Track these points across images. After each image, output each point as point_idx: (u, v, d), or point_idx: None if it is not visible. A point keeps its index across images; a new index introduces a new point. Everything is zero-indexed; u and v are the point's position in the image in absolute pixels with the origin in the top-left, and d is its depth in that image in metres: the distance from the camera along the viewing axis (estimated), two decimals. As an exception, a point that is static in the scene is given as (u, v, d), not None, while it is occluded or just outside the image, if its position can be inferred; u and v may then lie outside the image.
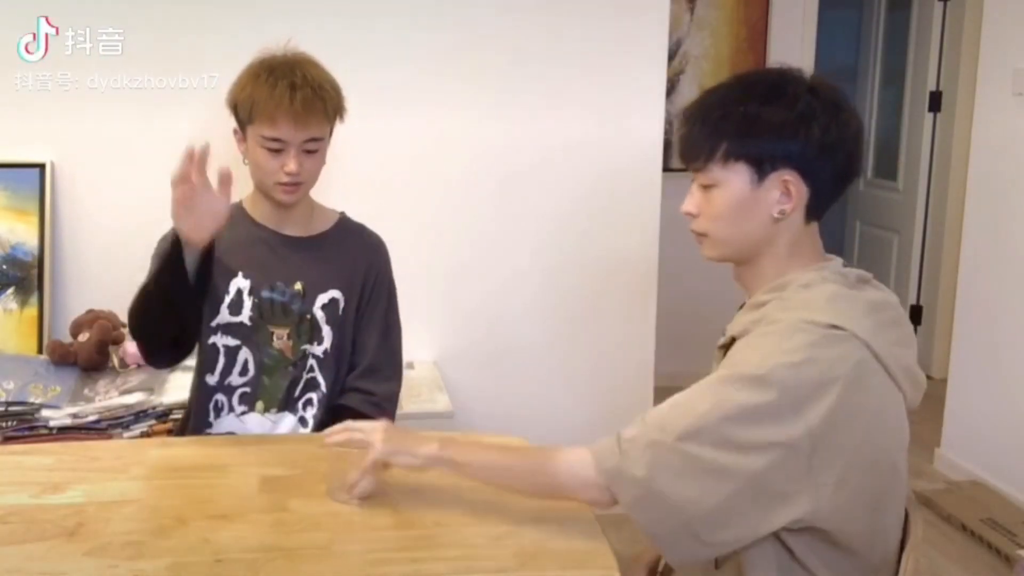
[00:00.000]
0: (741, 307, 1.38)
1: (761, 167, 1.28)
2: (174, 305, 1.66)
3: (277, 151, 1.72)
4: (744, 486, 1.17)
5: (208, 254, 1.64)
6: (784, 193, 1.29)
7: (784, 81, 1.30)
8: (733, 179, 1.30)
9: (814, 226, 1.34)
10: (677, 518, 1.20)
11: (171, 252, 1.61)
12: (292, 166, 1.72)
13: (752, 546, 1.23)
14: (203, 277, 1.66)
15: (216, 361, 1.81)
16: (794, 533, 1.21)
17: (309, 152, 1.75)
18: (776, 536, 1.22)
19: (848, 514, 1.21)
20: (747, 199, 1.30)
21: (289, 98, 1.69)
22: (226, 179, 1.59)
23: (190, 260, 1.62)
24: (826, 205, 1.33)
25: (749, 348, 1.25)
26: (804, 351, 1.19)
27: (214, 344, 1.80)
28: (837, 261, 1.35)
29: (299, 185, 1.77)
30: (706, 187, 1.33)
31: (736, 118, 1.29)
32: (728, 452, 1.18)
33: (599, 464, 1.26)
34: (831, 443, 1.17)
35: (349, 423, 1.46)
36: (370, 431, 1.40)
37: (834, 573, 1.24)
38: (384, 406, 1.87)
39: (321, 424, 1.82)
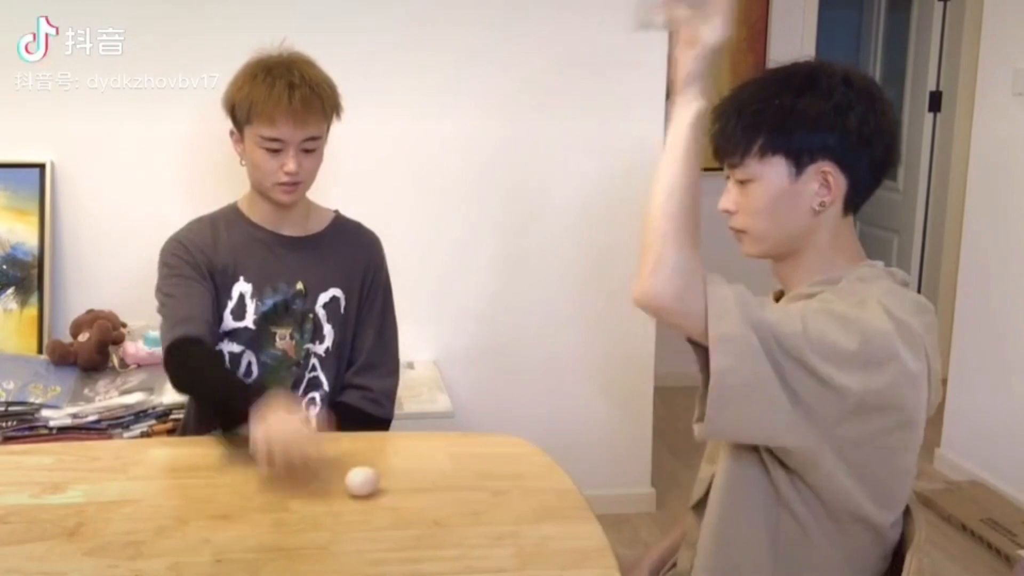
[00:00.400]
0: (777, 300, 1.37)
1: (799, 160, 1.27)
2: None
3: (276, 151, 1.72)
4: (784, 392, 1.16)
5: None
6: (823, 185, 1.27)
7: (818, 73, 1.29)
8: (771, 173, 1.29)
9: (851, 220, 1.33)
10: (745, 382, 1.16)
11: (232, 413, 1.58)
12: (291, 166, 1.72)
13: (745, 476, 1.25)
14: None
15: None
16: (792, 472, 1.22)
17: (307, 151, 1.75)
18: (775, 489, 1.23)
19: (851, 488, 1.21)
20: (786, 192, 1.29)
21: (288, 97, 1.69)
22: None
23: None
24: (864, 196, 1.32)
25: (829, 301, 1.23)
26: (888, 321, 1.18)
27: (219, 350, 1.80)
28: (878, 261, 1.34)
29: (298, 185, 1.77)
30: (743, 182, 1.31)
31: (772, 111, 1.28)
32: (796, 367, 1.15)
33: (713, 284, 1.20)
34: (870, 416, 1.17)
35: None
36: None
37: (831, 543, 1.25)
38: (382, 402, 1.87)
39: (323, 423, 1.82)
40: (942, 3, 4.32)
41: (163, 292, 1.77)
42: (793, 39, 4.16)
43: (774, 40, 4.14)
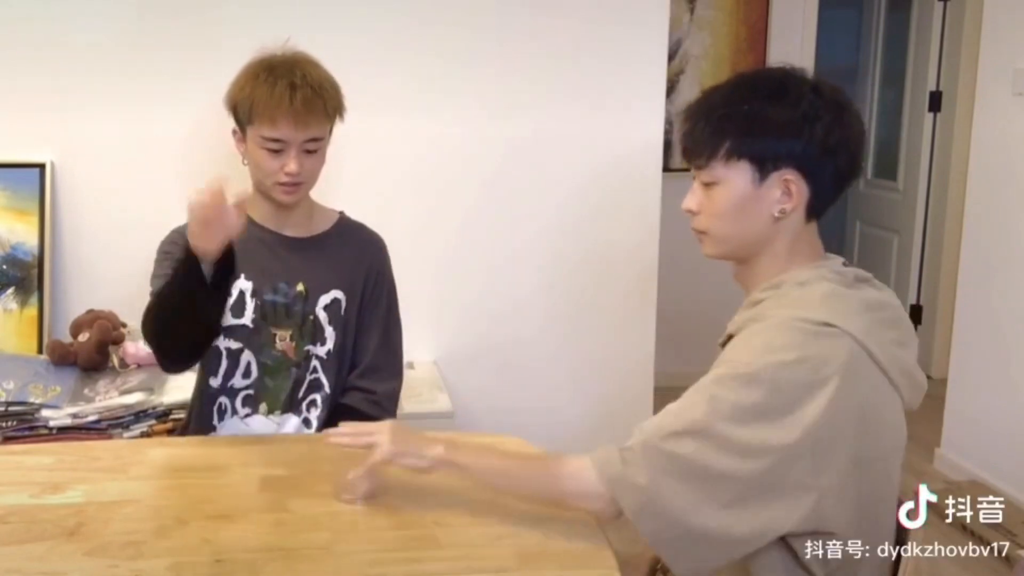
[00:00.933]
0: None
1: (763, 166, 1.29)
2: (194, 312, 1.64)
3: (277, 151, 1.72)
4: (746, 489, 1.17)
5: (226, 262, 1.60)
6: (785, 192, 1.29)
7: (787, 80, 1.31)
8: (735, 177, 1.30)
9: (813, 226, 1.34)
10: (681, 526, 1.19)
11: (186, 261, 1.58)
12: (292, 166, 1.72)
13: (758, 552, 1.22)
14: (223, 283, 1.63)
15: (219, 364, 1.80)
16: (799, 536, 1.21)
17: (309, 152, 1.74)
18: (782, 539, 1.21)
19: (850, 513, 1.21)
20: (748, 197, 1.30)
21: (289, 98, 1.69)
22: (242, 202, 1.55)
23: (205, 268, 1.59)
24: (826, 205, 1.33)
25: (741, 346, 1.25)
26: (795, 349, 1.19)
27: (216, 347, 1.80)
28: (836, 260, 1.35)
29: (299, 185, 1.76)
30: (708, 185, 1.33)
31: (739, 117, 1.29)
32: (728, 455, 1.18)
33: (601, 472, 1.25)
34: (830, 440, 1.17)
35: (356, 425, 1.46)
36: (377, 431, 1.40)
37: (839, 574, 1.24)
38: (385, 405, 1.87)
39: (325, 424, 1.82)
40: (942, 3, 4.32)
41: (154, 274, 1.77)
42: (793, 39, 4.16)
43: (774, 40, 4.14)
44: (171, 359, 1.74)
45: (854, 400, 1.19)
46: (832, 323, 1.21)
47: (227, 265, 1.60)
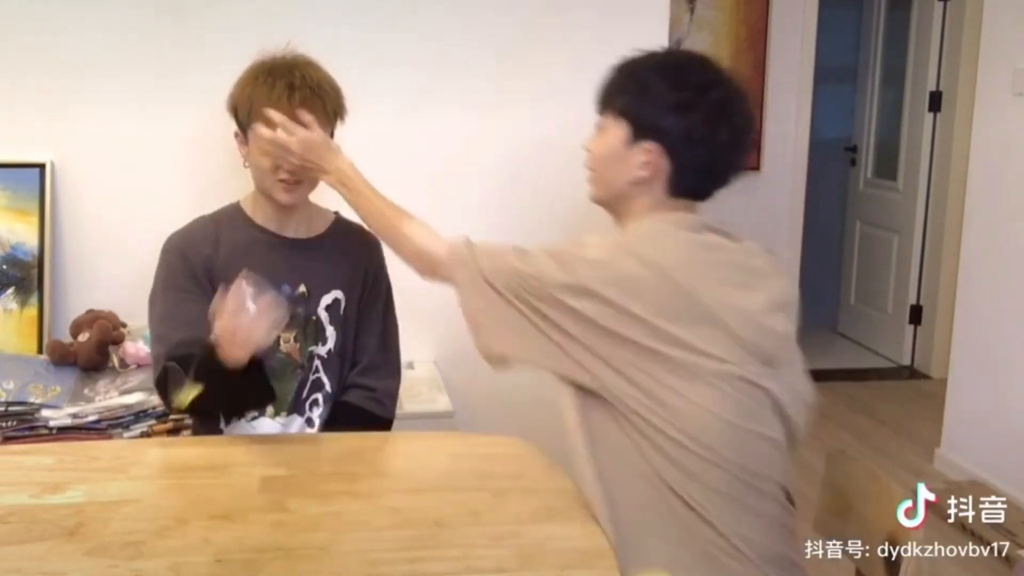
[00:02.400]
0: None
1: (636, 132, 1.44)
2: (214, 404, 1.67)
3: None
4: (541, 332, 1.39)
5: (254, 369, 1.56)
6: (646, 162, 1.42)
7: (690, 68, 1.46)
8: (613, 130, 1.48)
9: (685, 203, 1.46)
10: (493, 313, 1.43)
11: (207, 361, 1.52)
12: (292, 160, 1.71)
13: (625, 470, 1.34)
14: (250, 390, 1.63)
15: None
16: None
17: None
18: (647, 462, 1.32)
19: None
20: (617, 153, 1.47)
21: (288, 98, 1.69)
22: (265, 306, 1.48)
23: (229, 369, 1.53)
24: (692, 188, 1.45)
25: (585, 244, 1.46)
26: (604, 258, 1.39)
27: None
28: (697, 215, 1.46)
29: (299, 184, 1.76)
30: (598, 129, 1.53)
31: (636, 80, 1.46)
32: (547, 306, 1.38)
33: (451, 244, 1.55)
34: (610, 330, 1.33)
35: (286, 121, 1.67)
36: (290, 137, 1.65)
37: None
38: (384, 402, 1.88)
39: (326, 423, 1.83)
40: (942, 3, 4.33)
41: (154, 292, 1.77)
42: (793, 39, 4.16)
43: (774, 40, 4.15)
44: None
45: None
46: (641, 253, 1.35)
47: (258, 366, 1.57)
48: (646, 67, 1.48)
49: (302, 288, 1.81)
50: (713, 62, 1.48)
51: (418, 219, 1.66)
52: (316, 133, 1.68)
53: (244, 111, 1.74)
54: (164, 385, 1.66)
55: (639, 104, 1.45)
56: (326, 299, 1.83)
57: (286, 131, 1.66)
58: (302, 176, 1.76)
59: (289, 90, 1.70)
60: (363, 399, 1.86)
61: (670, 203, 1.46)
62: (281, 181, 1.75)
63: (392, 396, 1.92)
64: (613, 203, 1.53)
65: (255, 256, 1.79)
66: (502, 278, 1.43)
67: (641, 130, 1.44)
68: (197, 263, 1.77)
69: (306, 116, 1.69)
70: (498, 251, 1.49)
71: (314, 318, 1.82)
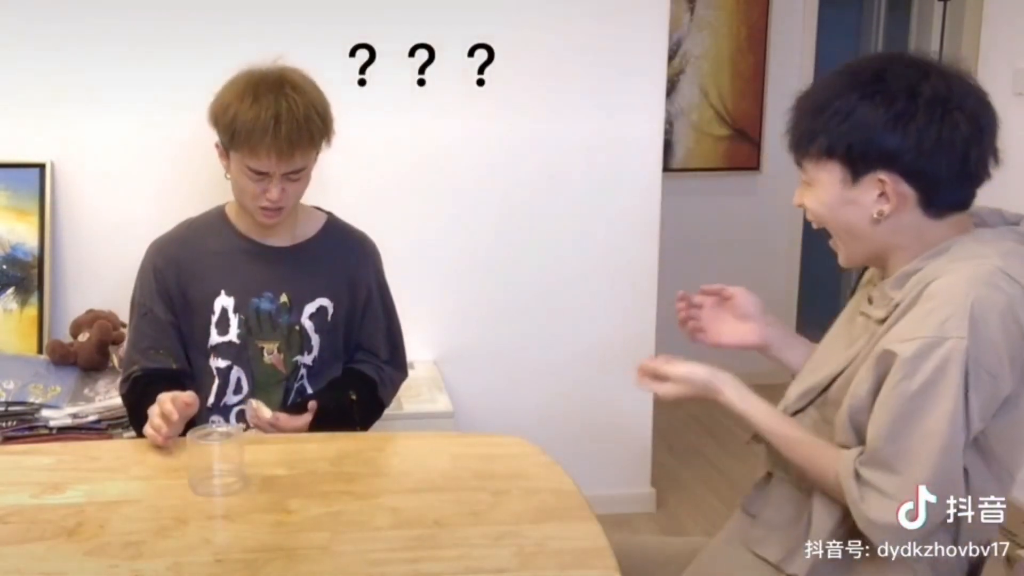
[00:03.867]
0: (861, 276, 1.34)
1: (855, 167, 1.21)
2: None
3: (259, 178, 1.67)
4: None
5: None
6: (881, 195, 1.21)
7: (886, 73, 1.21)
8: (825, 178, 1.24)
9: (952, 218, 1.25)
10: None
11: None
12: (274, 194, 1.67)
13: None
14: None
15: (210, 384, 1.79)
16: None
17: (292, 180, 1.70)
18: None
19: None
20: (840, 200, 1.24)
21: (273, 132, 1.61)
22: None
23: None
24: (951, 201, 1.24)
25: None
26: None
27: (207, 366, 1.79)
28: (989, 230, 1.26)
29: (280, 210, 1.72)
30: (807, 184, 1.28)
31: (830, 114, 1.21)
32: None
33: (846, 481, 1.23)
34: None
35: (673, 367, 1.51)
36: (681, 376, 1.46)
37: None
38: (388, 385, 1.89)
39: (325, 387, 1.83)
40: (942, 3, 4.32)
41: (134, 302, 1.83)
42: (793, 39, 4.16)
43: (774, 40, 4.14)
44: None
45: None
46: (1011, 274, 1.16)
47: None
48: (834, 94, 1.22)
49: (284, 298, 1.79)
50: (904, 54, 1.24)
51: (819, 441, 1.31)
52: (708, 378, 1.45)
53: (227, 134, 1.67)
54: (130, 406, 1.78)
55: (845, 136, 1.20)
56: (310, 307, 1.80)
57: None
58: (285, 204, 1.71)
59: (275, 121, 1.61)
60: (374, 371, 1.86)
61: (934, 226, 1.24)
62: (262, 208, 1.71)
63: (395, 385, 1.92)
64: (867, 256, 1.29)
65: (235, 266, 1.77)
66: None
67: (862, 163, 1.20)
68: (170, 277, 1.77)
69: None
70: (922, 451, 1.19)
71: (298, 327, 1.80)
